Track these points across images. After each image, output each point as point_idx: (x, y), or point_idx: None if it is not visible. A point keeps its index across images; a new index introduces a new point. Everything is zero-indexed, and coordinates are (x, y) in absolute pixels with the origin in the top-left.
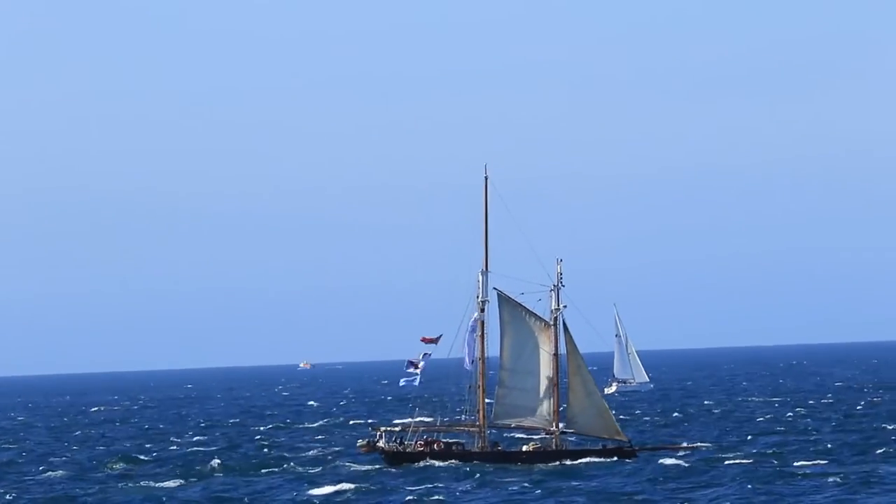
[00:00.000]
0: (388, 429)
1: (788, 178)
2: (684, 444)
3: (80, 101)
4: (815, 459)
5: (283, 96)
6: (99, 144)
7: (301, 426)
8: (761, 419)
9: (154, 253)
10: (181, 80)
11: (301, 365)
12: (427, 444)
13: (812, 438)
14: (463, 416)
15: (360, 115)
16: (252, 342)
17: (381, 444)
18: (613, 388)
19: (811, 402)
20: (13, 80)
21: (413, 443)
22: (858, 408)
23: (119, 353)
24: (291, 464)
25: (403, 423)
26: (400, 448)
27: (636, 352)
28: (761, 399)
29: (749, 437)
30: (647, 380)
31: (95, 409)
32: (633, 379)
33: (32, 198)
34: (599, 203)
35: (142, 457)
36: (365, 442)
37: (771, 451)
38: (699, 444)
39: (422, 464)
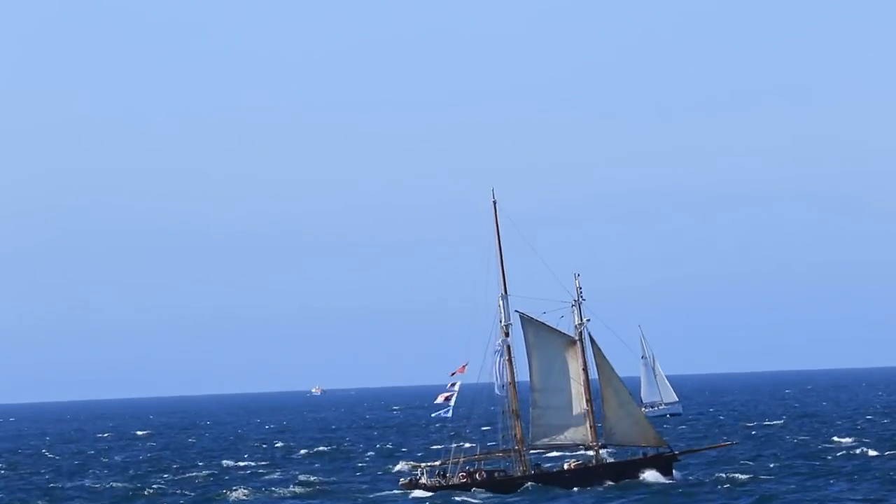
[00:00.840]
0: (429, 465)
1: (817, 192)
2: (725, 442)
3: (83, 118)
4: None
5: (295, 115)
6: (108, 163)
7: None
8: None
9: (158, 272)
10: (188, 96)
11: (313, 390)
12: (469, 474)
13: None
14: (500, 441)
15: (368, 135)
16: (259, 368)
17: (423, 480)
18: None
19: None
20: (22, 95)
21: (455, 475)
22: None
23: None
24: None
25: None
26: (443, 482)
27: (664, 374)
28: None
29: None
30: (677, 400)
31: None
32: (662, 401)
33: (49, 213)
34: (611, 220)
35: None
36: (407, 480)
37: None
38: (736, 441)
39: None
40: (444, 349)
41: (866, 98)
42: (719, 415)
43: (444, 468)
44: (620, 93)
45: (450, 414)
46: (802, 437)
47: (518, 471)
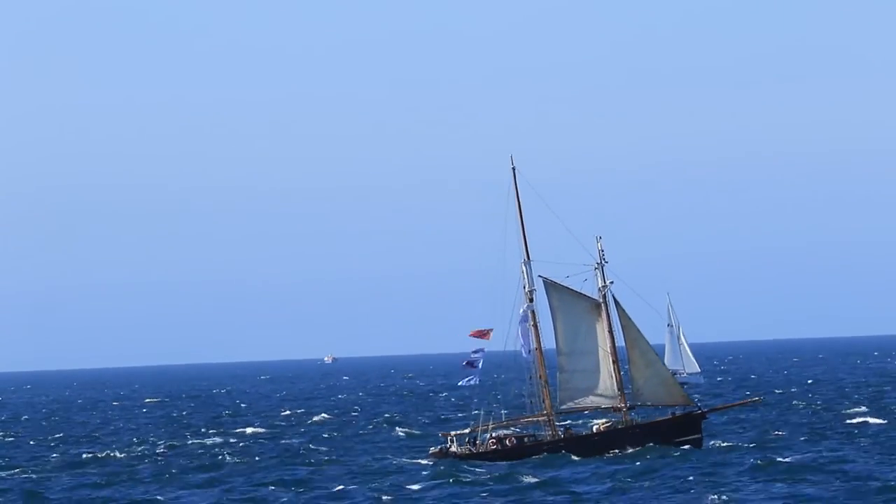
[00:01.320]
0: (458, 433)
1: (843, 163)
2: (753, 398)
3: (79, 100)
4: None
5: (316, 91)
6: (105, 144)
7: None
8: None
9: (166, 247)
10: (185, 79)
11: (325, 359)
12: (499, 440)
13: None
14: (528, 407)
15: (392, 105)
16: (277, 335)
17: (453, 448)
18: None
19: None
20: (16, 81)
21: (485, 443)
22: None
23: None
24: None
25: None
26: (473, 449)
27: (687, 343)
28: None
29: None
30: (699, 370)
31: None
32: (684, 370)
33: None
34: (632, 190)
35: None
36: (437, 449)
37: None
38: (762, 397)
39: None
40: (466, 317)
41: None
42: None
43: (473, 436)
44: (650, 64)
45: (476, 381)
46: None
47: (547, 436)
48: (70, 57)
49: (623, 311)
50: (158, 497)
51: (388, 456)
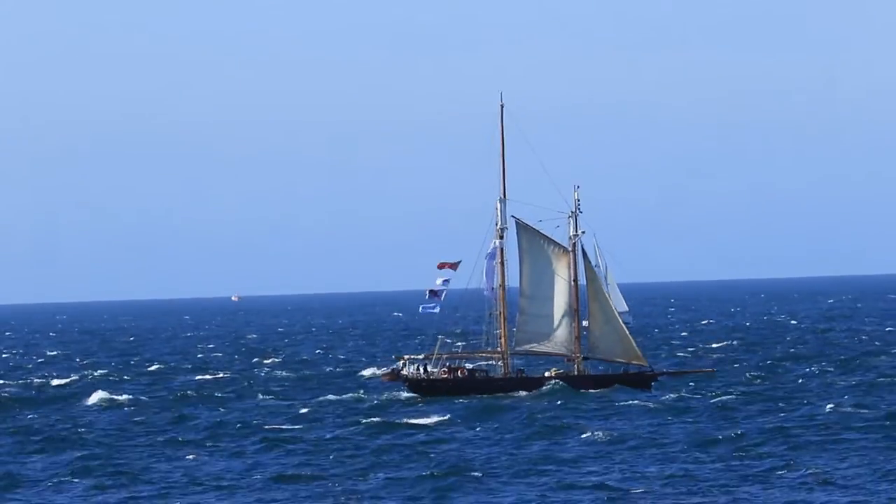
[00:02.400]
0: (412, 357)
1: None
2: (706, 369)
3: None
4: None
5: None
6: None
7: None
8: None
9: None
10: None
11: (232, 298)
12: (451, 370)
13: None
14: (484, 343)
15: (375, 44)
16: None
17: (405, 372)
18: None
19: None
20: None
21: (437, 370)
22: None
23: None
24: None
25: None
26: (424, 376)
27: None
28: None
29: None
30: (627, 310)
31: None
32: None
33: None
34: (615, 130)
35: None
36: (389, 370)
37: None
38: (715, 369)
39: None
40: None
41: None
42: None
43: (426, 362)
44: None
45: (437, 310)
46: None
47: (500, 373)
48: None
49: (589, 262)
50: None
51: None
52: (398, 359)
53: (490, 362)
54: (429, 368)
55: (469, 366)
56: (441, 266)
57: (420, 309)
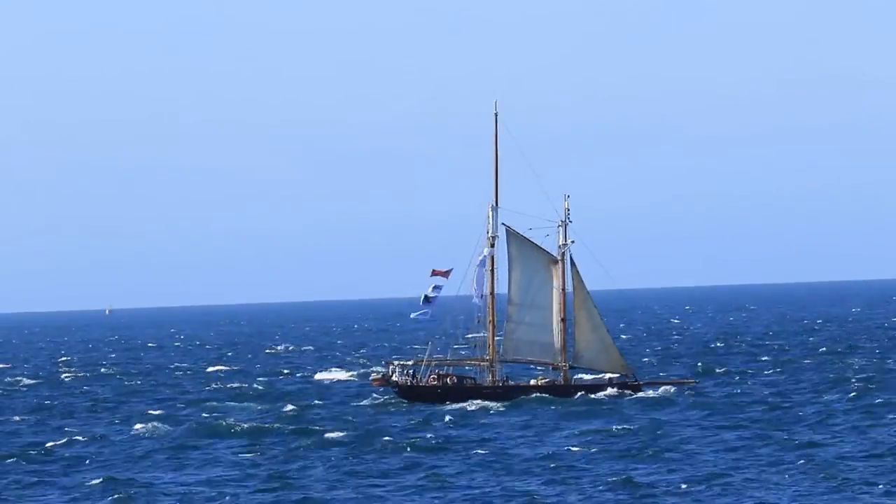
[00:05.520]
0: (402, 363)
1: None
2: (690, 380)
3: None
4: None
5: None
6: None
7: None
8: None
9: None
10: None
11: (106, 311)
12: (439, 377)
13: None
14: (473, 351)
15: (369, 47)
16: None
17: (394, 377)
18: None
19: None
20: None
21: (426, 377)
22: None
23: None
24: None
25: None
26: (413, 382)
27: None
28: None
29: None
30: None
31: None
32: None
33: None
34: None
35: None
36: (379, 376)
37: None
38: (697, 381)
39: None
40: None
41: None
42: None
43: (414, 369)
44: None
45: (428, 316)
46: None
47: (487, 381)
48: None
49: (577, 272)
50: None
51: None
52: (388, 364)
53: (477, 367)
54: (417, 375)
55: (459, 373)
56: (434, 273)
57: (412, 315)
